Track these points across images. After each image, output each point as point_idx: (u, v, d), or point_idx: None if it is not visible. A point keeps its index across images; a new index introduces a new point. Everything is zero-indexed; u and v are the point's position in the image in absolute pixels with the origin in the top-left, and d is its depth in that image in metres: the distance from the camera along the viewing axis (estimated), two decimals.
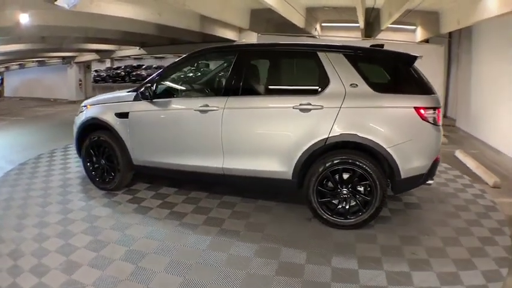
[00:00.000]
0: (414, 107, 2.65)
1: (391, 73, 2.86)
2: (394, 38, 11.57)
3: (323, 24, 13.86)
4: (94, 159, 3.75)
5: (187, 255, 2.51)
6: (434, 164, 2.85)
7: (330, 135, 2.71)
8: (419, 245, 2.67)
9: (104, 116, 3.59)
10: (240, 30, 14.89)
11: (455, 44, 8.47)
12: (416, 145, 2.70)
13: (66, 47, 12.35)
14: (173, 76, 3.57)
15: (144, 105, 3.38)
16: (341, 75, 2.77)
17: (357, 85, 2.73)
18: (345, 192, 2.83)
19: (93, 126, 3.71)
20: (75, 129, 3.92)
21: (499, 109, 5.55)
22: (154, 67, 26.62)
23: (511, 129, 5.05)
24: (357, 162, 2.72)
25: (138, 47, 14.23)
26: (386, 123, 2.69)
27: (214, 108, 3.04)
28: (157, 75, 3.46)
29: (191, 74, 4.04)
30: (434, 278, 2.27)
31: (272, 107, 2.94)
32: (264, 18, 12.26)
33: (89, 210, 3.26)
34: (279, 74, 3.38)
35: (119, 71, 25.42)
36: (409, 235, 2.83)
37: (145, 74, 22.70)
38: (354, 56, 2.84)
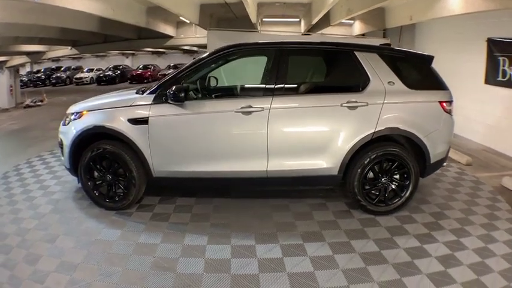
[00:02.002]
0: (439, 101, 3.25)
1: (417, 71, 3.40)
2: (331, 32, 12.82)
3: (264, 19, 14.54)
4: (96, 175, 3.41)
5: (273, 268, 2.53)
6: (449, 149, 3.52)
7: (376, 130, 3.12)
8: (448, 218, 3.30)
9: (112, 123, 3.27)
10: (177, 25, 14.55)
11: (395, 37, 9.77)
12: (441, 134, 3.30)
13: (3, 51, 10.62)
14: (200, 75, 3.41)
15: (170, 109, 3.19)
16: (379, 73, 3.20)
17: (394, 83, 3.19)
18: (384, 180, 3.28)
19: (94, 136, 3.36)
20: (66, 141, 3.46)
21: None
22: (73, 68, 25.78)
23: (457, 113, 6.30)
24: (398, 153, 3.19)
25: (69, 47, 12.75)
26: (420, 116, 3.22)
27: (259, 109, 3.13)
28: (180, 75, 3.29)
29: (222, 72, 3.94)
30: (477, 241, 2.89)
31: (320, 105, 3.17)
32: (208, 14, 12.29)
33: (113, 238, 2.94)
34: (318, 72, 3.61)
35: (39, 75, 24.34)
36: (436, 211, 3.44)
37: (65, 76, 22.96)
38: (387, 55, 3.29)
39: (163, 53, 32.06)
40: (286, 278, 2.40)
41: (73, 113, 3.55)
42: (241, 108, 3.14)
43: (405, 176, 3.28)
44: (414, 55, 3.47)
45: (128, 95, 3.63)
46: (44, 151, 5.66)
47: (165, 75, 22.74)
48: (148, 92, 3.37)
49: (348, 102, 3.12)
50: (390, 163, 3.27)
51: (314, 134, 3.21)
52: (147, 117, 3.22)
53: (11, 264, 2.61)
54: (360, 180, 3.22)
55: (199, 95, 3.45)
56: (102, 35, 11.60)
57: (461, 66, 6.16)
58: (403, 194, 3.30)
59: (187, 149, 3.27)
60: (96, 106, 3.51)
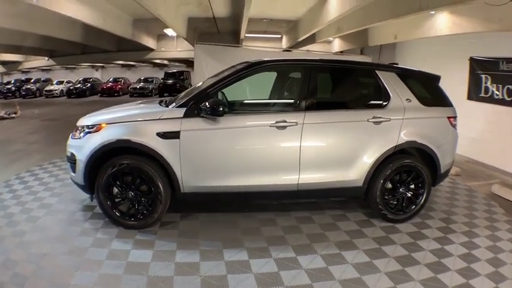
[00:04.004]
0: (447, 117, 3.71)
1: (428, 89, 3.84)
2: (311, 49, 13.55)
3: (246, 35, 15.02)
4: (116, 192, 3.32)
5: (323, 277, 2.74)
6: (453, 160, 3.99)
7: (398, 143, 3.48)
8: (456, 222, 3.74)
9: (139, 137, 3.19)
10: (158, 38, 14.59)
11: (374, 54, 10.48)
12: (449, 146, 3.77)
13: None
14: (229, 89, 3.52)
15: (203, 123, 3.24)
16: (398, 91, 3.60)
17: (410, 100, 3.61)
18: (401, 190, 3.64)
19: (115, 150, 3.25)
20: (81, 156, 3.29)
21: None
22: (43, 80, 25.30)
23: None
24: (415, 164, 3.57)
25: (46, 58, 12.28)
26: (433, 130, 3.66)
27: (293, 124, 3.35)
28: (212, 88, 3.36)
29: (251, 87, 4.13)
30: (486, 240, 3.34)
31: (349, 120, 3.48)
32: (193, 27, 12.53)
33: (147, 260, 2.83)
34: (344, 89, 3.90)
35: (9, 86, 23.89)
36: (443, 217, 3.88)
37: (35, 88, 22.64)
38: (403, 74, 3.71)
39: (133, 66, 31.57)
40: (338, 285, 2.62)
41: (88, 126, 3.40)
42: (276, 122, 3.33)
43: (420, 185, 3.67)
44: (425, 75, 3.95)
45: (152, 107, 3.66)
46: (32, 166, 5.44)
47: (136, 88, 22.64)
48: (176, 105, 3.37)
49: (373, 118, 3.47)
50: (406, 174, 3.64)
51: (343, 148, 3.49)
52: (179, 131, 3.23)
53: None
54: (381, 190, 3.55)
55: (226, 109, 3.45)
56: (80, 46, 11.44)
57: (443, 84, 6.82)
58: (418, 201, 3.68)
59: (221, 163, 3.33)
60: (116, 119, 3.38)
